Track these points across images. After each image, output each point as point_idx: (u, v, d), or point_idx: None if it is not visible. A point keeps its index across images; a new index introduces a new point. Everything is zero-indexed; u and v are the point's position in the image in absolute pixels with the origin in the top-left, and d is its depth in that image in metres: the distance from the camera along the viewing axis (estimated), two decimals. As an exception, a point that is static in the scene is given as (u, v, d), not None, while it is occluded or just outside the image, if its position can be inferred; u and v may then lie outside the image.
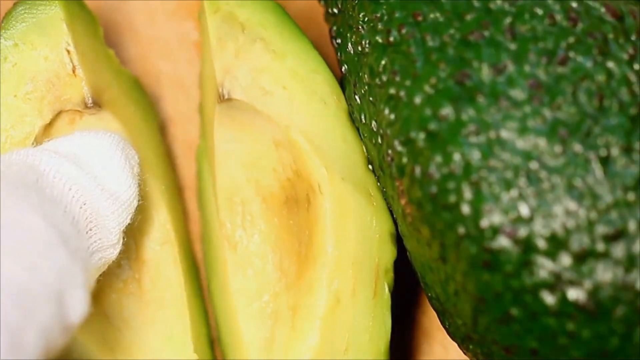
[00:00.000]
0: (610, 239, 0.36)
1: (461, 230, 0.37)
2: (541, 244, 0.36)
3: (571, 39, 0.38)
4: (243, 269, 0.44)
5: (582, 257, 0.36)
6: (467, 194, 0.37)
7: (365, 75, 0.41)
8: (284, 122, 0.43)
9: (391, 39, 0.40)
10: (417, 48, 0.39)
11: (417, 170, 0.38)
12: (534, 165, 0.37)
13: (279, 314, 0.43)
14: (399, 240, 0.42)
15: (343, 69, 0.43)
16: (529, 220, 0.36)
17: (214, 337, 0.46)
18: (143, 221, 0.44)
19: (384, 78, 0.40)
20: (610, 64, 0.38)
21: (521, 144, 0.37)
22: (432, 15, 0.39)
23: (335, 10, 0.43)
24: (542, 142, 0.37)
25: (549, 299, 0.36)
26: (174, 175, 0.46)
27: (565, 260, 0.36)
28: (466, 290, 0.38)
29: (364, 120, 0.42)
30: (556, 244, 0.36)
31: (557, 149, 0.37)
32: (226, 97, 0.43)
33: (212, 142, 0.45)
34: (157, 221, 0.44)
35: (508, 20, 0.38)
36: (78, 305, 0.37)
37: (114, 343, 0.43)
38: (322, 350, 0.42)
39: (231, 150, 0.45)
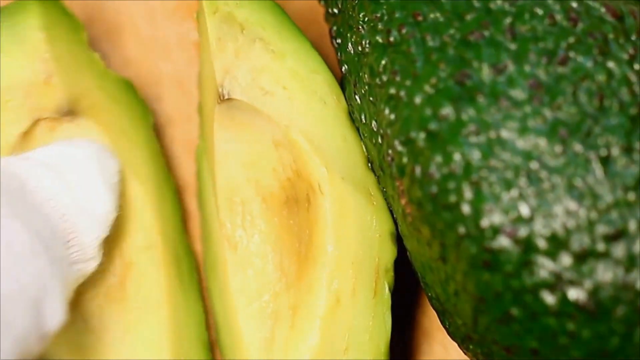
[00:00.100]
0: (610, 238, 0.36)
1: (461, 230, 0.37)
2: (541, 243, 0.36)
3: (571, 39, 0.38)
4: (243, 268, 0.44)
5: (583, 257, 0.36)
6: (468, 193, 0.37)
7: (366, 75, 0.41)
8: (284, 122, 0.43)
9: (391, 39, 0.40)
10: (417, 48, 0.39)
11: (418, 170, 0.38)
12: (534, 165, 0.37)
13: (279, 313, 0.43)
14: (399, 240, 0.42)
15: (343, 69, 0.43)
16: (529, 220, 0.36)
17: (213, 337, 0.46)
18: (128, 226, 0.44)
19: (384, 78, 0.40)
20: (611, 64, 0.38)
21: (521, 143, 0.37)
22: (432, 15, 0.39)
23: (335, 10, 0.43)
24: (542, 142, 0.37)
25: (549, 299, 0.36)
26: (169, 175, 0.46)
27: (566, 260, 0.36)
28: (466, 290, 0.38)
29: (364, 120, 0.42)
30: (556, 243, 0.36)
31: (558, 149, 0.37)
32: (226, 97, 0.43)
33: (211, 142, 0.45)
34: (142, 226, 0.44)
35: (508, 20, 0.38)
36: (55, 314, 0.37)
37: (91, 350, 0.43)
38: (322, 350, 0.42)
39: (231, 150, 0.45)
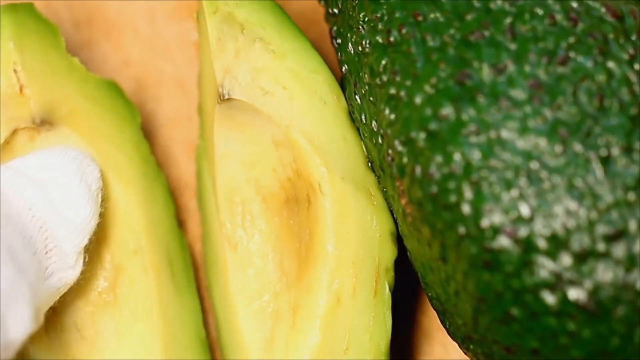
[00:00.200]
0: (610, 238, 0.36)
1: (461, 230, 0.37)
2: (542, 243, 0.36)
3: (571, 39, 0.38)
4: (243, 268, 0.44)
5: (583, 257, 0.36)
6: (468, 193, 0.37)
7: (366, 75, 0.41)
8: (284, 122, 0.43)
9: (391, 39, 0.40)
10: (418, 48, 0.39)
11: (418, 170, 0.38)
12: (534, 165, 0.37)
13: (279, 313, 0.43)
14: (399, 240, 0.42)
15: (343, 69, 0.43)
16: (530, 220, 0.36)
17: (214, 337, 0.46)
18: (117, 231, 0.44)
19: (385, 78, 0.40)
20: (611, 64, 0.38)
21: (522, 143, 0.37)
22: (432, 15, 0.39)
23: (336, 11, 0.43)
24: (542, 142, 0.37)
25: (549, 298, 0.36)
26: (161, 175, 0.46)
27: (566, 260, 0.36)
28: (466, 290, 0.38)
29: (364, 120, 0.42)
30: (557, 243, 0.36)
31: (558, 148, 0.37)
32: (226, 97, 0.43)
33: (211, 142, 0.45)
34: (130, 230, 0.44)
35: (508, 20, 0.38)
36: (20, 322, 0.36)
37: (84, 357, 0.43)
38: (322, 350, 0.42)
39: (231, 150, 0.45)
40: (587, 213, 0.36)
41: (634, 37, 0.38)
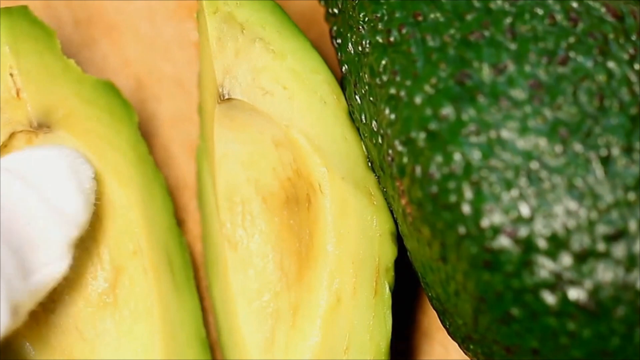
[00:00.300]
0: (610, 238, 0.36)
1: (462, 230, 0.37)
2: (542, 243, 0.36)
3: (571, 39, 0.38)
4: (244, 268, 0.44)
5: (583, 257, 0.36)
6: (468, 193, 0.37)
7: (366, 75, 0.41)
8: (284, 122, 0.43)
9: (391, 39, 0.40)
10: (418, 48, 0.39)
11: (418, 170, 0.38)
12: (534, 165, 0.37)
13: (279, 313, 0.43)
14: (399, 240, 0.42)
15: (343, 69, 0.43)
16: (530, 220, 0.36)
17: (214, 337, 0.46)
18: (115, 232, 0.44)
19: (385, 78, 0.40)
20: (611, 64, 0.38)
21: (522, 143, 0.37)
22: (432, 15, 0.39)
23: (336, 11, 0.43)
24: (542, 142, 0.37)
25: (549, 298, 0.36)
26: (159, 174, 0.46)
27: (566, 260, 0.36)
28: (467, 290, 0.38)
29: (364, 120, 0.42)
30: (557, 243, 0.36)
31: (558, 148, 0.37)
32: (226, 97, 0.43)
33: (212, 142, 0.45)
34: (129, 231, 0.44)
35: (508, 20, 0.39)
36: None
37: (84, 357, 0.43)
38: (323, 350, 0.42)
39: (231, 150, 0.45)
40: (587, 213, 0.36)
41: (634, 37, 0.38)
